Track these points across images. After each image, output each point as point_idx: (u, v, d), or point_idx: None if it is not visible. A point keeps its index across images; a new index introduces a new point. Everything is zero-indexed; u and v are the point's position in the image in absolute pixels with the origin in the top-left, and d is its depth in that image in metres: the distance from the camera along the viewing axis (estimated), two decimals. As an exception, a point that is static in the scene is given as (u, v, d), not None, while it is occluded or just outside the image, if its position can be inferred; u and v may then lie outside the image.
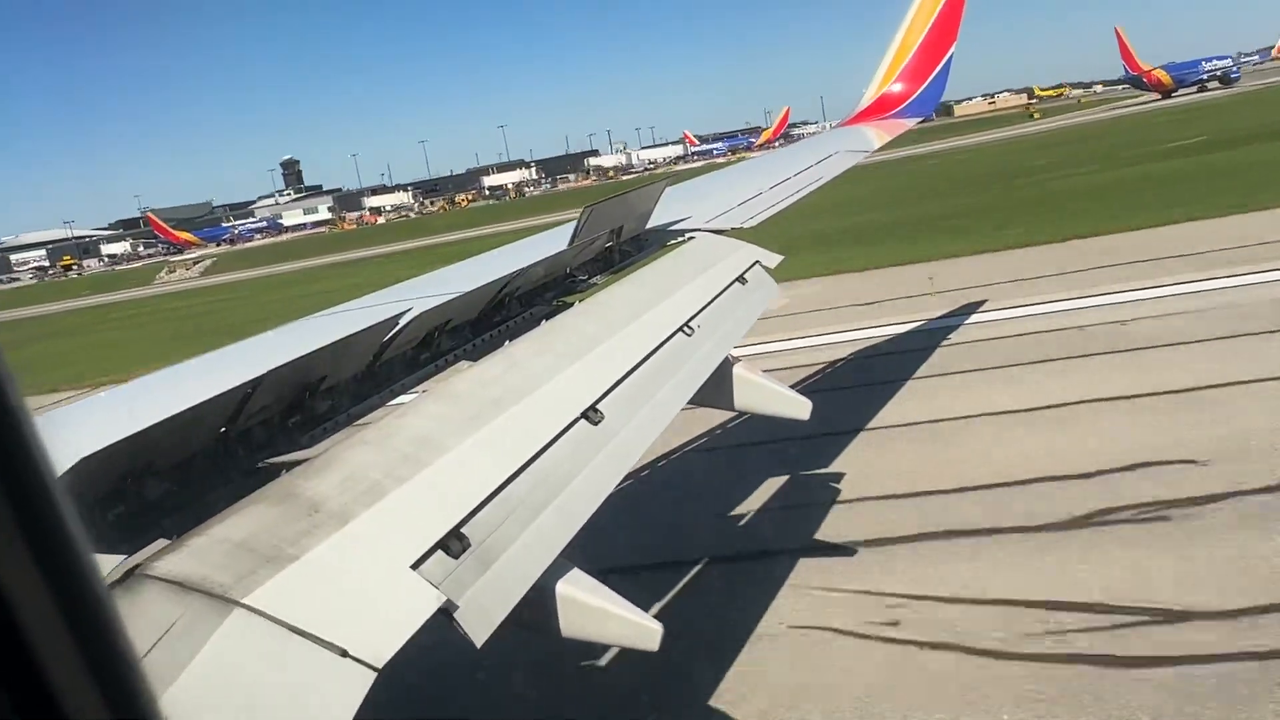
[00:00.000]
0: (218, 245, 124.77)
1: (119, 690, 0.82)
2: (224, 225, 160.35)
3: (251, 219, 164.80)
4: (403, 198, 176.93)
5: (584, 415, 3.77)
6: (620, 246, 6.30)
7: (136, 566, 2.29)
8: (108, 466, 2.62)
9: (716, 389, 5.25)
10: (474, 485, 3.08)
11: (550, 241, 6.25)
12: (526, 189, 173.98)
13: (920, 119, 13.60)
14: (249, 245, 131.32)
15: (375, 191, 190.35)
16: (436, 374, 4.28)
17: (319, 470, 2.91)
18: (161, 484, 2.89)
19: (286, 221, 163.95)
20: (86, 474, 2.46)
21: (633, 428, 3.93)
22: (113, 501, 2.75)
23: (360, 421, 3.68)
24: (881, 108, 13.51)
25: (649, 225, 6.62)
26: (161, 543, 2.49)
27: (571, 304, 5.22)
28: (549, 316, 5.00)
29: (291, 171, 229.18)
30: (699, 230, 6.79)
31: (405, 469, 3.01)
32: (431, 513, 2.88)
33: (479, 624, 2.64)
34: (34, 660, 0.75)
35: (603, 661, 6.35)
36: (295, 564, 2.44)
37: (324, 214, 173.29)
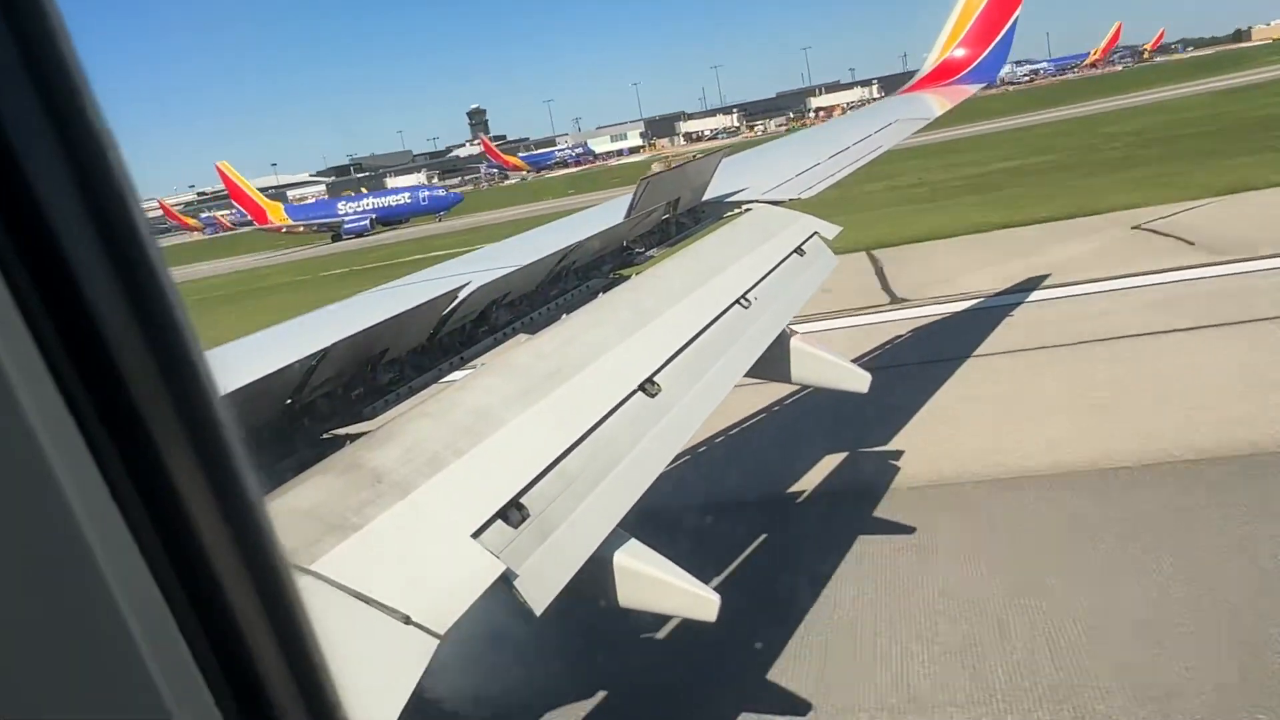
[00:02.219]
0: (539, 172, 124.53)
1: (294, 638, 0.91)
2: (546, 151, 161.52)
3: (558, 148, 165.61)
4: (724, 120, 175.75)
5: (641, 388, 3.78)
6: (677, 219, 6.28)
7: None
8: None
9: (774, 362, 5.22)
10: (532, 457, 3.12)
11: (607, 214, 6.26)
12: (721, 135, 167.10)
13: (983, 85, 13.29)
14: (574, 170, 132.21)
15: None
16: (495, 346, 4.33)
17: (381, 442, 2.97)
18: None
19: (597, 149, 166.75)
20: None
21: (690, 400, 3.93)
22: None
23: (421, 394, 3.73)
24: (943, 74, 13.23)
25: (706, 197, 6.59)
26: None
27: (628, 277, 5.22)
28: (606, 289, 5.02)
29: (479, 121, 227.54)
30: (756, 202, 6.74)
31: (465, 441, 3.05)
32: (491, 483, 2.92)
33: (538, 593, 2.68)
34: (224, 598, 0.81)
35: (661, 634, 6.41)
36: (359, 533, 2.49)
37: (635, 140, 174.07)
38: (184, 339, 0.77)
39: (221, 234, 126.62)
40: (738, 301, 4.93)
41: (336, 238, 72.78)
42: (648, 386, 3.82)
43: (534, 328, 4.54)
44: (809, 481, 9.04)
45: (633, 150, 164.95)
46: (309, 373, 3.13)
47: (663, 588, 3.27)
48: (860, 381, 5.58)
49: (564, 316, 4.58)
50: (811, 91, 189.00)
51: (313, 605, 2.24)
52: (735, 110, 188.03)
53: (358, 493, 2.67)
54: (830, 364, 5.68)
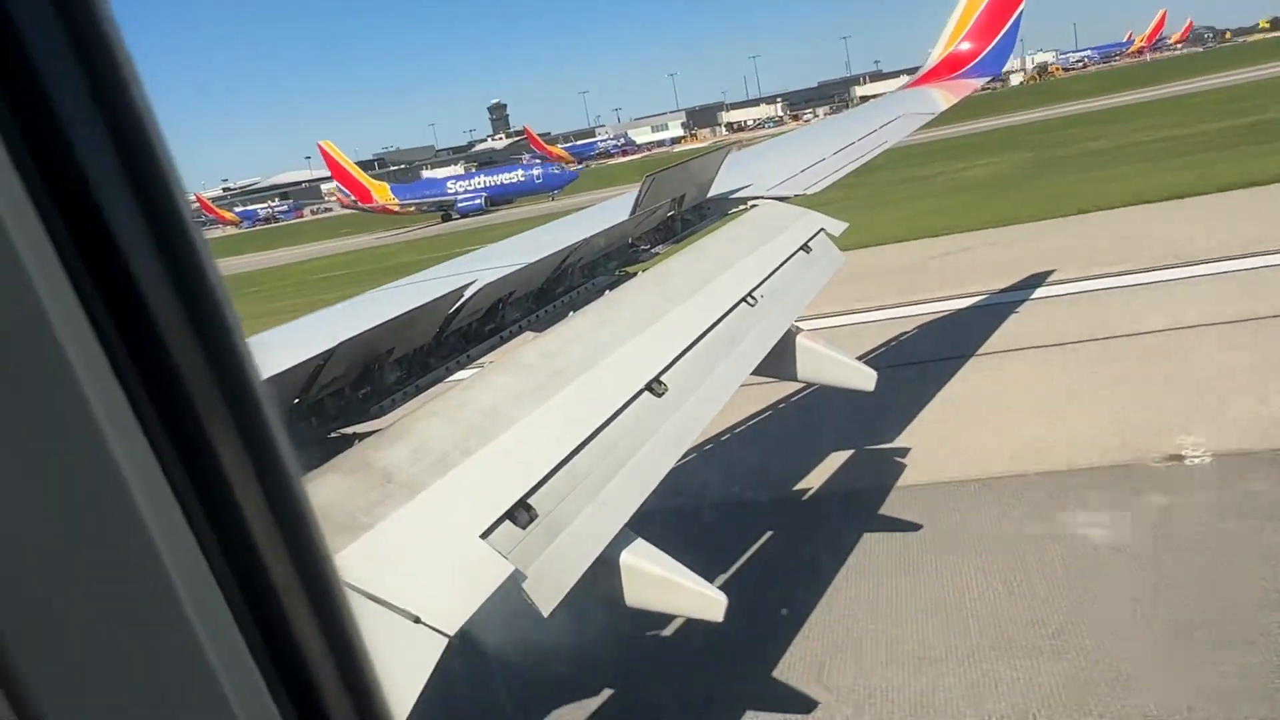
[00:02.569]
0: (582, 162, 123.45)
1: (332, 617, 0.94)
2: (588, 143, 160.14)
3: (599, 139, 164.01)
4: (767, 110, 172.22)
5: (648, 387, 3.79)
6: (682, 215, 6.28)
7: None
8: None
9: (780, 360, 5.23)
10: (540, 457, 3.13)
11: (612, 212, 6.26)
12: (768, 125, 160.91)
13: (988, 78, 13.26)
14: (622, 160, 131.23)
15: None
16: (501, 345, 4.34)
17: (390, 441, 2.98)
18: None
19: (638, 140, 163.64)
20: None
21: (696, 399, 3.94)
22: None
23: (428, 392, 3.74)
24: (949, 67, 13.20)
25: (711, 194, 6.59)
26: None
27: (634, 274, 5.23)
28: (612, 287, 5.02)
29: (499, 115, 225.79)
30: (761, 198, 6.73)
31: (473, 440, 3.06)
32: (499, 483, 2.93)
33: (546, 593, 2.69)
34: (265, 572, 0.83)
35: (668, 632, 6.41)
36: (369, 533, 2.51)
37: (676, 130, 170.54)
38: (233, 337, 0.79)
39: (257, 227, 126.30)
40: (744, 299, 4.93)
41: (446, 217, 69.81)
42: (654, 385, 3.82)
43: (540, 326, 4.55)
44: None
45: (675, 140, 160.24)
46: (316, 372, 3.14)
47: (670, 588, 3.28)
48: (866, 380, 5.57)
49: (570, 315, 4.59)
50: (855, 80, 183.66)
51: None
52: (779, 100, 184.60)
53: (367, 493, 2.68)
54: (837, 362, 5.68)
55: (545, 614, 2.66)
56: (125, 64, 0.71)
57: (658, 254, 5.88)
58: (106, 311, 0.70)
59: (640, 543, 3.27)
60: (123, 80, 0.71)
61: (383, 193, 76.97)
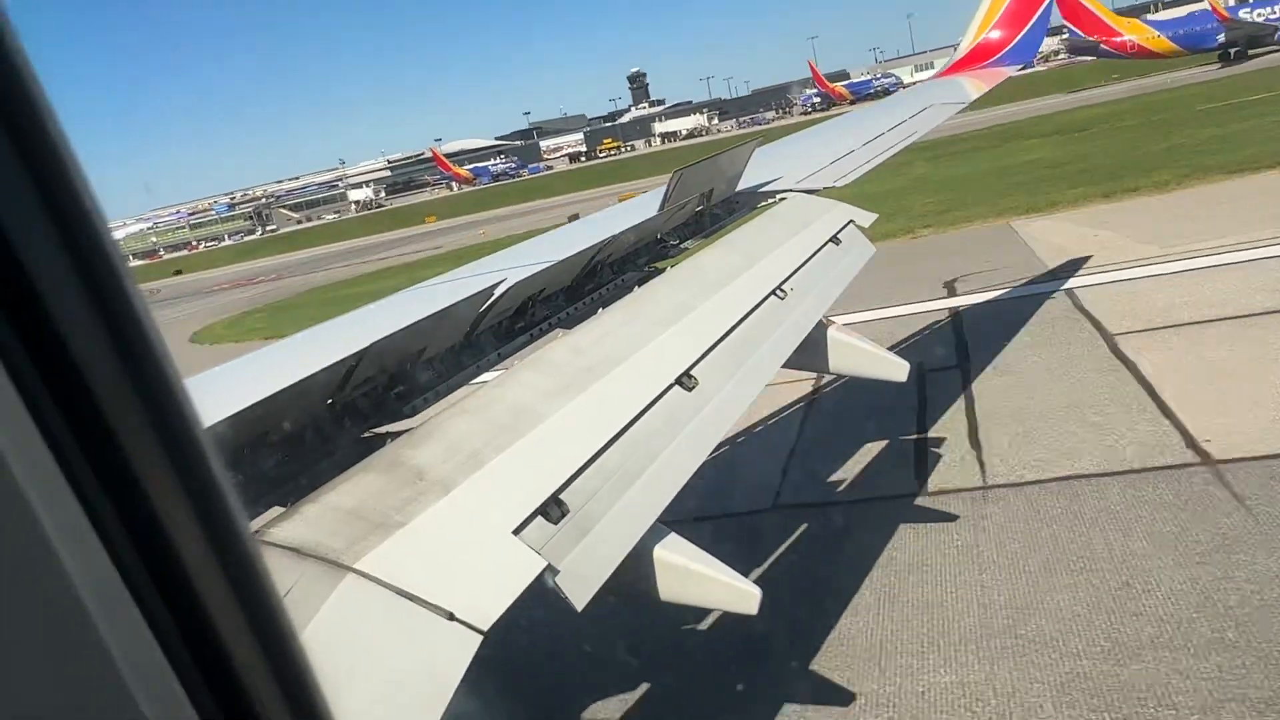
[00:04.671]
0: (856, 101, 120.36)
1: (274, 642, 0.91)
2: (863, 80, 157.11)
3: (874, 79, 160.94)
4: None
5: (678, 381, 3.79)
6: (710, 210, 6.26)
7: (254, 533, 2.40)
8: (224, 439, 2.74)
9: (812, 352, 5.20)
10: (571, 452, 3.13)
11: (641, 207, 6.26)
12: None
13: (1020, 66, 13.11)
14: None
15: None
16: (532, 343, 4.35)
17: (422, 440, 3.00)
18: (274, 454, 3.01)
19: (905, 80, 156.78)
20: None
21: (727, 393, 3.93)
22: (230, 472, 2.88)
23: (459, 391, 3.76)
24: (979, 56, 13.07)
25: (739, 187, 6.57)
26: (276, 510, 2.61)
27: (663, 270, 5.22)
28: (641, 283, 5.02)
29: (639, 85, 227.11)
30: (790, 191, 6.70)
31: (504, 438, 3.07)
32: (531, 480, 2.94)
33: (579, 588, 2.69)
34: (201, 608, 0.82)
35: (704, 625, 6.41)
36: (402, 530, 2.52)
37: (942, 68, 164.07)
38: (157, 356, 0.77)
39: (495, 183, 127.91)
40: (774, 292, 4.91)
41: (1228, 56, 56.50)
42: (685, 380, 3.82)
43: (570, 323, 4.55)
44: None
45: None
46: (349, 372, 3.17)
47: (703, 581, 3.28)
48: (899, 370, 5.54)
49: (600, 311, 4.59)
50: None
51: (356, 602, 2.27)
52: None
53: (400, 491, 2.70)
54: (869, 354, 5.64)
55: (579, 609, 2.67)
56: (28, 79, 0.69)
57: (687, 249, 5.87)
58: (10, 328, 0.69)
59: (673, 537, 3.27)
60: (28, 99, 0.70)
61: (1137, 29, 65.62)
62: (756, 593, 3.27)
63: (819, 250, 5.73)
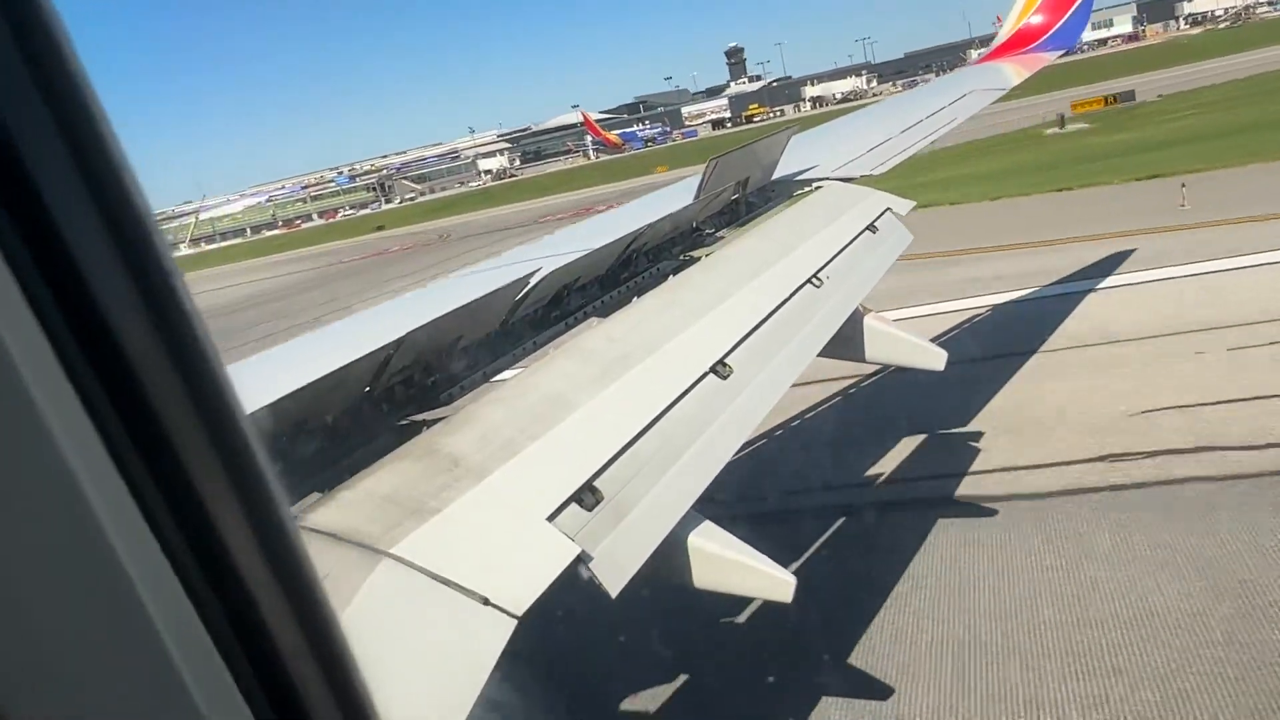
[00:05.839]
0: None
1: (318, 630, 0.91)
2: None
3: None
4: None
5: (712, 370, 3.77)
6: (746, 198, 6.23)
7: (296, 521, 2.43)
8: (264, 426, 2.78)
9: (847, 341, 5.17)
10: (605, 440, 3.13)
11: (677, 196, 6.24)
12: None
13: (1061, 53, 12.89)
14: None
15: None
16: (567, 330, 4.36)
17: (457, 427, 3.02)
18: (313, 441, 3.05)
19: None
20: None
21: (761, 381, 3.91)
22: (270, 460, 2.91)
23: (495, 379, 3.78)
24: (1020, 42, 12.87)
25: (775, 176, 6.53)
26: (314, 496, 2.64)
27: (699, 258, 5.21)
28: (676, 272, 5.01)
29: (737, 60, 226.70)
30: (826, 179, 6.65)
31: (539, 425, 3.08)
32: (565, 467, 2.94)
33: (613, 575, 2.70)
34: (248, 597, 0.83)
35: (741, 618, 6.38)
36: (438, 516, 2.54)
37: (1124, 26, 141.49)
38: (203, 348, 0.78)
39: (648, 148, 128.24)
40: (809, 281, 4.88)
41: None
42: (719, 368, 3.80)
43: (606, 311, 4.55)
44: None
45: (1130, 38, 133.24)
46: (386, 361, 3.19)
47: (738, 569, 3.27)
48: (937, 359, 5.49)
49: (635, 300, 4.59)
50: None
51: (393, 587, 2.29)
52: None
53: (435, 477, 2.72)
54: (905, 342, 5.59)
55: (613, 595, 2.67)
56: (77, 72, 0.70)
57: (722, 237, 5.85)
58: (64, 324, 0.70)
59: (708, 524, 3.27)
60: (76, 90, 0.70)
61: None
62: (792, 581, 3.26)
63: (856, 238, 5.68)
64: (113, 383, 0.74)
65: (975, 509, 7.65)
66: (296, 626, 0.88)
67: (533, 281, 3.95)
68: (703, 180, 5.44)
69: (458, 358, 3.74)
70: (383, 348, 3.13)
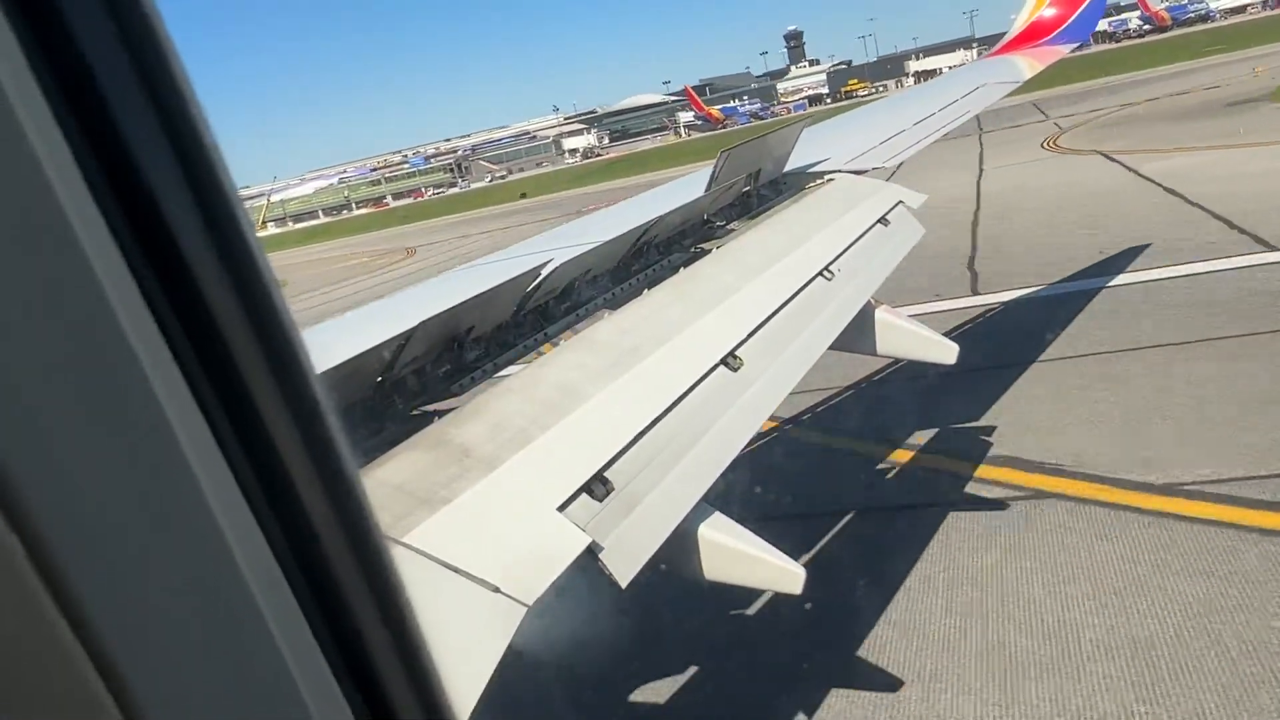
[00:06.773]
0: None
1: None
2: (1120, 20, 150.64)
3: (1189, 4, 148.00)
4: None
5: (723, 361, 3.78)
6: (758, 190, 6.23)
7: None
8: None
9: (858, 334, 5.16)
10: (616, 431, 3.14)
11: (687, 188, 6.24)
12: None
13: (1075, 45, 12.82)
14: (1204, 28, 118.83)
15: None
16: (577, 322, 4.37)
17: (468, 417, 3.03)
18: None
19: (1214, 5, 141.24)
20: None
21: (772, 374, 3.91)
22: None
23: (506, 370, 3.79)
24: (1032, 35, 12.81)
25: (786, 168, 6.52)
26: None
27: (709, 251, 5.20)
28: (687, 264, 5.01)
29: (796, 45, 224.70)
30: (838, 171, 6.64)
31: (550, 416, 3.09)
32: (576, 458, 2.95)
33: (623, 565, 2.71)
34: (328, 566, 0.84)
35: (751, 610, 6.40)
36: (449, 506, 2.55)
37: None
38: (288, 330, 0.79)
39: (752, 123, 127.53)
40: (820, 273, 4.87)
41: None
42: (730, 360, 3.81)
43: (616, 303, 4.56)
44: None
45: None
46: (398, 351, 3.21)
47: (748, 561, 3.28)
48: (948, 353, 5.47)
49: (645, 292, 4.59)
50: None
51: (405, 575, 2.31)
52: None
53: (446, 468, 2.73)
54: (917, 336, 5.58)
55: (623, 585, 2.68)
56: (173, 58, 0.71)
57: (733, 230, 5.84)
58: (169, 306, 0.71)
59: (718, 516, 3.27)
60: (170, 75, 0.71)
61: None
62: (801, 573, 3.26)
63: (867, 231, 5.67)
64: (233, 405, 0.75)
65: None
66: (385, 633, 0.90)
67: (544, 273, 3.96)
68: (714, 172, 5.44)
69: (469, 348, 3.75)
70: (395, 337, 3.14)
